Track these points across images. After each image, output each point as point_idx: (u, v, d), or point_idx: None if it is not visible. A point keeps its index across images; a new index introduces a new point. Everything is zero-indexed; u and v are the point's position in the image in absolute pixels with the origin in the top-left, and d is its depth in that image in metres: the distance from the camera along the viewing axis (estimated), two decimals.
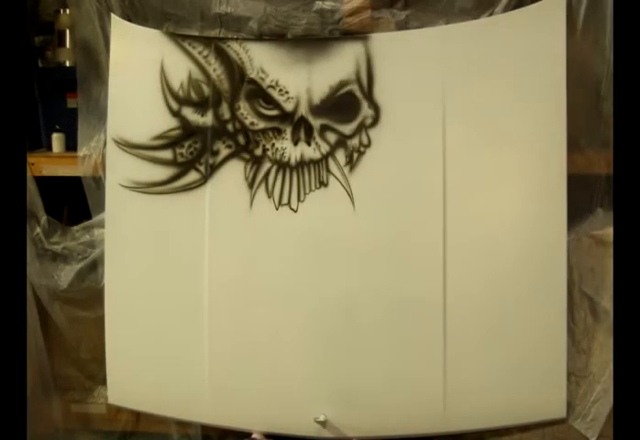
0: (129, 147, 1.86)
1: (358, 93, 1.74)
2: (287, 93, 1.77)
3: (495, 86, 1.70)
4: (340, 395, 1.77)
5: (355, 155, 1.75)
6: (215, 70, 1.81)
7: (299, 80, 1.77)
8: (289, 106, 1.78)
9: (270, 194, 1.78)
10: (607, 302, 1.71)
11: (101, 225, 1.92)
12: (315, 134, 1.76)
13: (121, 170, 1.86)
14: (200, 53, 1.82)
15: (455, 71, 1.71)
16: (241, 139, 1.80)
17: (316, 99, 1.76)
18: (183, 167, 1.83)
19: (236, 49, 1.80)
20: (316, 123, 1.76)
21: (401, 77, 1.73)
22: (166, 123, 1.83)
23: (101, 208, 1.93)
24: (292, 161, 1.77)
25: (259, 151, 1.79)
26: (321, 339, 1.77)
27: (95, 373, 1.99)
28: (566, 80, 1.68)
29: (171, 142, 1.83)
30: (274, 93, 1.78)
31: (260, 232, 1.78)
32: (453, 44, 1.71)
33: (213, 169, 1.81)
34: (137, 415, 1.96)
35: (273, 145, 1.78)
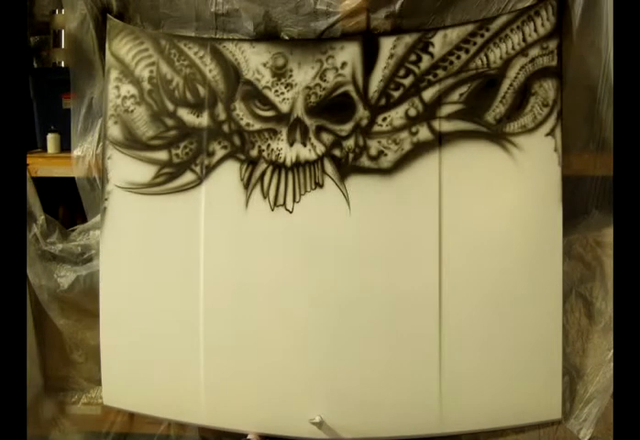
0: (125, 147, 1.85)
1: (354, 95, 1.74)
2: (283, 93, 1.77)
3: (491, 86, 1.70)
4: (336, 397, 1.76)
5: (350, 156, 1.75)
6: (211, 70, 1.81)
7: (295, 81, 1.77)
8: (284, 107, 1.78)
9: (265, 195, 1.78)
10: (602, 303, 1.72)
11: (97, 226, 1.91)
12: (311, 135, 1.76)
13: (116, 171, 1.86)
14: (196, 54, 1.82)
15: (453, 71, 1.71)
16: (237, 140, 1.80)
17: (312, 100, 1.76)
18: (179, 168, 1.83)
19: (231, 49, 1.80)
20: (312, 124, 1.76)
21: (397, 78, 1.73)
22: (162, 123, 1.83)
23: (96, 209, 1.93)
24: (288, 162, 1.77)
25: (254, 152, 1.79)
26: (316, 340, 1.76)
27: (92, 374, 1.98)
28: (562, 81, 1.69)
29: (166, 143, 1.83)
30: (270, 94, 1.78)
31: (256, 233, 1.78)
32: (451, 45, 1.71)
33: (208, 169, 1.81)
34: (133, 417, 1.95)
35: (269, 146, 1.78)
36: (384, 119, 1.74)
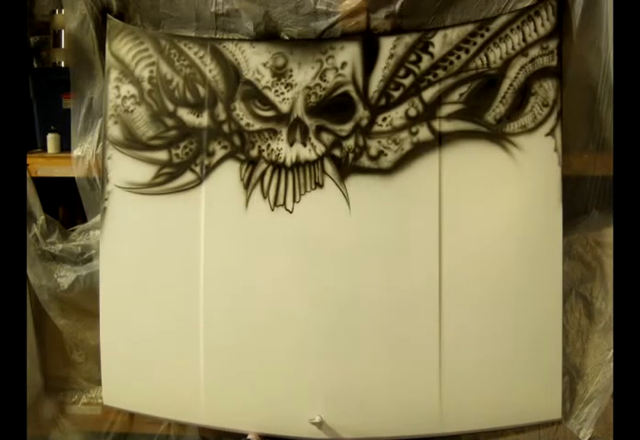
0: (125, 147, 1.85)
1: (354, 95, 1.74)
2: (283, 93, 1.77)
3: (491, 86, 1.71)
4: (336, 397, 1.76)
5: (350, 156, 1.75)
6: (211, 70, 1.81)
7: (295, 80, 1.77)
8: (284, 107, 1.78)
9: (265, 195, 1.78)
10: (602, 303, 1.72)
11: (97, 226, 1.92)
12: (311, 135, 1.76)
13: (116, 171, 1.86)
14: (196, 54, 1.82)
15: (453, 71, 1.71)
16: (237, 140, 1.80)
17: (312, 100, 1.76)
18: (179, 167, 1.83)
19: (231, 49, 1.80)
20: (312, 124, 1.76)
21: (397, 78, 1.73)
22: (162, 123, 1.83)
23: (96, 209, 1.93)
24: (288, 162, 1.77)
25: (254, 152, 1.79)
26: (316, 341, 1.76)
27: (92, 374, 1.98)
28: (562, 81, 1.69)
29: (166, 143, 1.83)
30: (270, 94, 1.78)
31: (256, 233, 1.78)
32: (450, 45, 1.71)
33: (208, 169, 1.81)
34: (133, 417, 1.95)
35: (269, 146, 1.78)
36: (384, 119, 1.74)
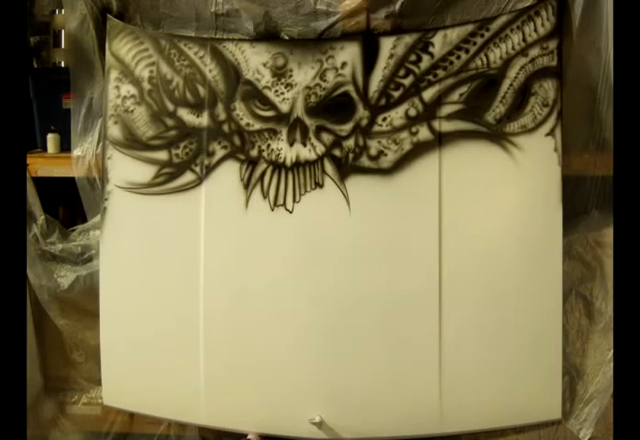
0: (125, 147, 1.85)
1: (354, 94, 1.74)
2: (283, 93, 1.77)
3: (491, 86, 1.71)
4: (336, 397, 1.76)
5: (350, 156, 1.75)
6: (211, 70, 1.81)
7: (295, 80, 1.77)
8: (284, 107, 1.78)
9: (265, 195, 1.78)
10: (602, 302, 1.72)
11: (97, 226, 1.92)
12: (311, 135, 1.76)
13: (116, 171, 1.86)
14: (196, 54, 1.82)
15: (453, 71, 1.71)
16: (237, 140, 1.80)
17: (312, 100, 1.76)
18: (179, 168, 1.83)
19: (231, 49, 1.80)
20: (312, 124, 1.76)
21: (397, 78, 1.73)
22: (162, 123, 1.83)
23: (96, 209, 1.93)
24: (288, 162, 1.77)
25: (254, 152, 1.79)
26: (316, 341, 1.76)
27: (92, 374, 1.98)
28: (562, 81, 1.69)
29: (166, 143, 1.83)
30: (270, 94, 1.78)
31: (256, 233, 1.78)
32: (451, 45, 1.71)
33: (208, 169, 1.81)
34: (133, 417, 1.95)
35: (269, 146, 1.78)
36: (384, 119, 1.74)
